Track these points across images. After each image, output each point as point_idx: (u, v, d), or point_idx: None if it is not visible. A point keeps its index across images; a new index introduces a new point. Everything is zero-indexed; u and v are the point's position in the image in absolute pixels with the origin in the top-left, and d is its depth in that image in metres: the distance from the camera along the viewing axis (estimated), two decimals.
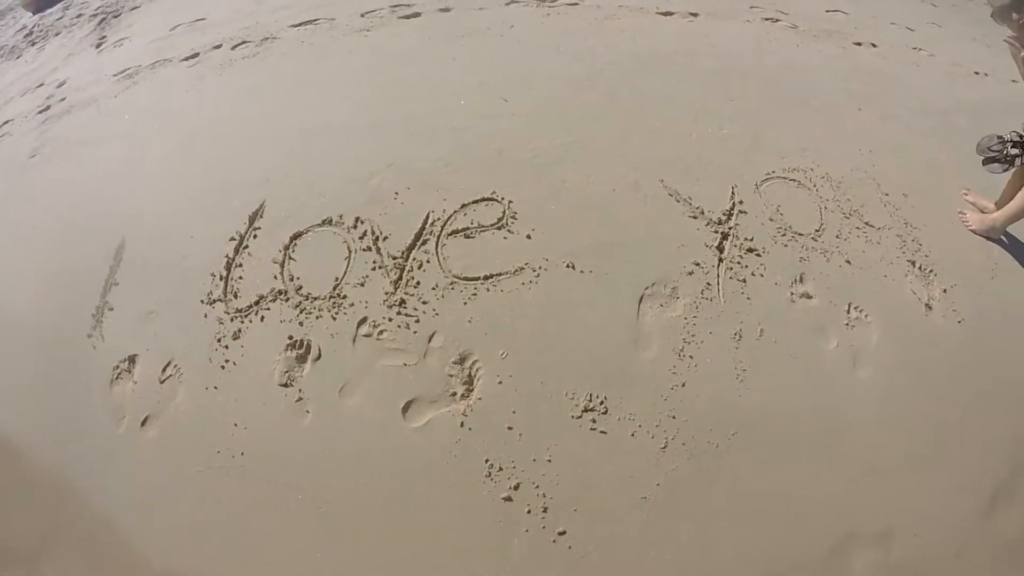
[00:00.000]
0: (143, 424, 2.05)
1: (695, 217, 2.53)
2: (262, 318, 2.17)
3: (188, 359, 2.16)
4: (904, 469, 2.05)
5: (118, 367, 2.20)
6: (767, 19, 4.51)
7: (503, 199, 2.52)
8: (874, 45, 4.58)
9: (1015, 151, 2.64)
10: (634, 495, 1.84)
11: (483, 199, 2.52)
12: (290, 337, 2.09)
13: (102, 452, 2.04)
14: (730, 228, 2.50)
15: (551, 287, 2.25)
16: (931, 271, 2.60)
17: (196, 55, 3.85)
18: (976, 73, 4.33)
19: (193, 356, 2.16)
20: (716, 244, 2.44)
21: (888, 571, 1.85)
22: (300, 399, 1.97)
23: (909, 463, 2.07)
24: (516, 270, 2.27)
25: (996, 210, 2.87)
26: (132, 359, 2.21)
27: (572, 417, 1.93)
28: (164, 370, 2.13)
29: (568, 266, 2.31)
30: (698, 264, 2.37)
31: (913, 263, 2.59)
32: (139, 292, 2.40)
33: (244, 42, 3.89)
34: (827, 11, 5.03)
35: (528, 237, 2.40)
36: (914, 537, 1.92)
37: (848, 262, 2.50)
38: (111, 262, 2.51)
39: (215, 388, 2.07)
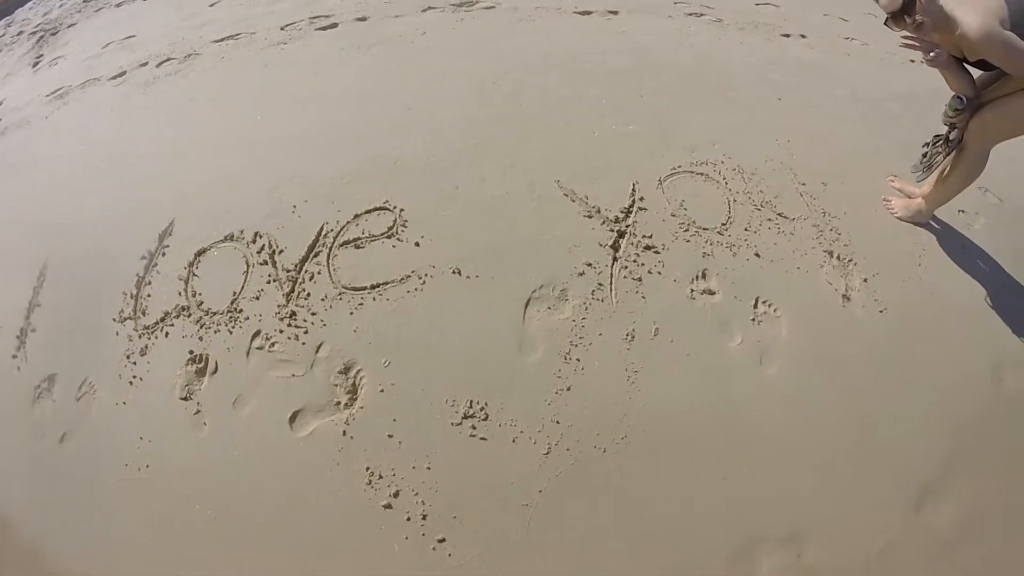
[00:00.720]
0: (61, 440, 2.16)
1: (590, 216, 2.43)
2: (166, 334, 2.22)
3: (100, 376, 2.24)
4: (817, 468, 1.97)
5: (39, 386, 2.30)
6: (691, 14, 4.47)
7: (395, 208, 2.47)
8: (803, 36, 4.55)
9: (937, 150, 2.63)
10: (515, 502, 1.80)
11: (375, 209, 2.48)
12: (191, 352, 2.15)
13: (26, 469, 2.14)
14: (627, 226, 2.40)
15: (436, 294, 2.22)
16: (851, 260, 2.50)
17: (123, 73, 3.87)
18: (912, 61, 4.31)
19: (105, 373, 2.24)
20: (611, 243, 2.34)
21: (800, 574, 1.79)
22: (198, 411, 2.03)
23: (823, 462, 1.99)
24: (402, 278, 2.25)
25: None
26: (51, 378, 2.31)
27: (452, 424, 1.91)
28: (80, 387, 2.24)
29: (455, 272, 2.25)
30: (590, 264, 2.27)
31: (831, 253, 2.49)
32: (60, 313, 2.47)
33: (169, 59, 3.89)
34: (756, 4, 5.02)
35: (417, 245, 2.35)
36: (828, 539, 1.85)
37: (757, 255, 2.39)
38: (35, 283, 2.59)
39: (124, 403, 2.16)
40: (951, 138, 2.56)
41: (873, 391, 2.17)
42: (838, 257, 2.49)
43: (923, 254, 2.71)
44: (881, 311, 2.38)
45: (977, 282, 2.79)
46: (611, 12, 4.20)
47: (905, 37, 2.24)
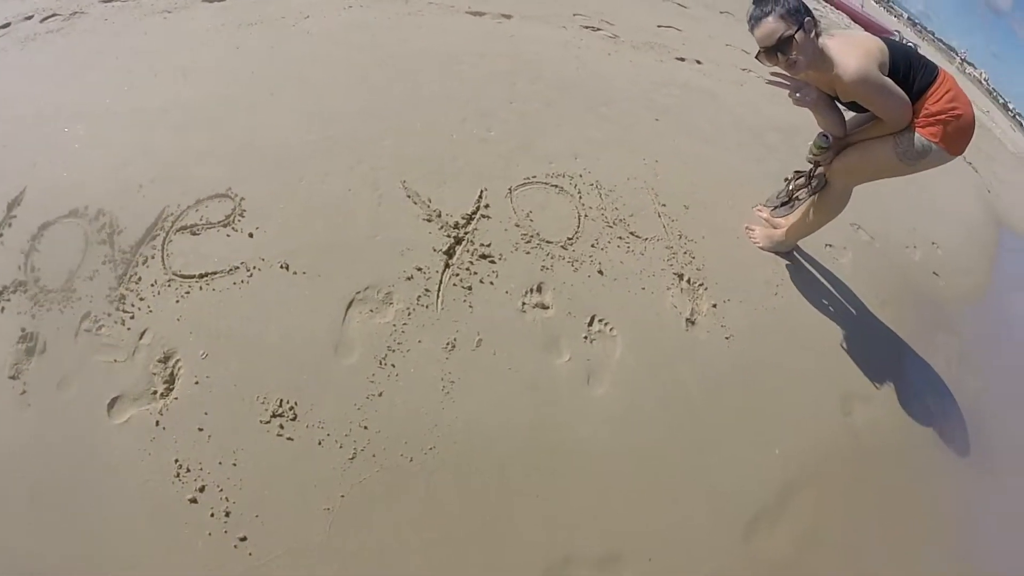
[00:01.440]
0: None
1: (430, 220, 2.34)
2: (2, 309, 2.08)
3: None
4: (641, 492, 1.92)
5: None
6: (587, 27, 4.49)
7: (236, 196, 2.32)
8: (699, 62, 4.64)
9: (799, 183, 2.66)
10: (317, 505, 1.73)
11: (217, 195, 2.32)
12: (23, 330, 2.03)
13: None
14: (466, 233, 2.31)
15: (261, 288, 2.09)
16: (702, 285, 2.47)
17: (8, 25, 3.59)
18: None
19: None
20: (446, 249, 2.24)
21: None
22: (24, 392, 1.92)
23: (648, 485, 1.94)
24: (231, 269, 2.11)
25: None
26: None
27: (261, 421, 1.83)
28: None
29: (283, 267, 2.12)
30: (420, 269, 2.17)
31: (681, 276, 2.45)
32: None
33: (54, 15, 3.63)
34: (659, 26, 5.12)
35: (250, 236, 2.21)
36: (648, 562, 1.81)
37: (600, 272, 2.33)
38: None
39: None
40: (815, 175, 2.58)
41: (709, 417, 2.14)
42: (688, 280, 2.45)
43: (781, 284, 2.73)
44: (727, 337, 2.35)
45: (835, 317, 2.82)
46: (504, 16, 4.16)
47: (774, 74, 2.21)
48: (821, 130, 2.38)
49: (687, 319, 2.35)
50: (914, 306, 3.53)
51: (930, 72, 2.15)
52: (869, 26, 15.13)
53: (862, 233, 3.64)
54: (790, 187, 2.71)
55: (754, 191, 3.07)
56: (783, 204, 2.80)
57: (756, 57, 2.15)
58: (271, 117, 2.70)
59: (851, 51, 2.07)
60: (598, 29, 4.43)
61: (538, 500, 1.82)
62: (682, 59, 4.53)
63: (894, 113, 2.15)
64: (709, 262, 2.59)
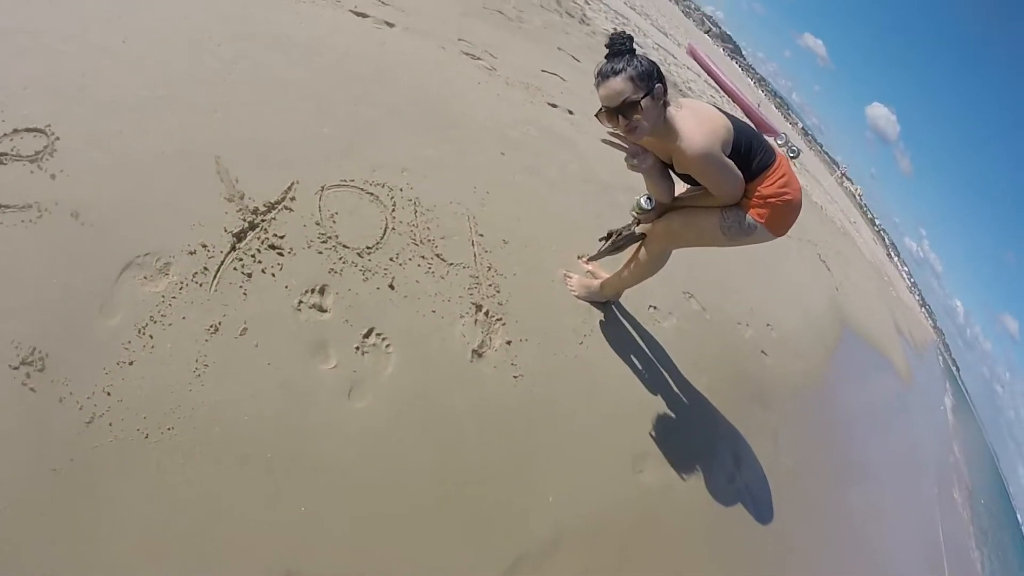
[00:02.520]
0: None
1: (231, 200, 2.26)
2: None
3: None
4: (389, 516, 1.88)
5: None
6: (467, 54, 4.58)
7: (52, 134, 2.16)
8: (571, 112, 4.82)
9: (620, 243, 2.74)
10: (47, 464, 1.62)
11: (34, 129, 2.15)
12: None
13: None
14: (262, 220, 2.27)
15: (47, 231, 1.95)
16: (500, 320, 2.48)
17: None
18: None
19: None
20: (237, 231, 2.18)
21: None
22: None
23: (399, 511, 1.90)
24: (24, 206, 1.95)
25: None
26: None
27: (10, 366, 1.69)
28: None
29: (72, 215, 1.96)
30: (205, 246, 2.06)
31: (479, 307, 2.46)
32: None
33: None
34: (543, 71, 5.29)
35: (53, 177, 2.04)
36: None
37: (391, 287, 2.31)
38: None
39: None
40: (634, 233, 2.65)
41: (478, 452, 2.12)
42: (486, 313, 2.47)
43: (590, 335, 2.80)
44: (516, 376, 2.37)
45: (642, 376, 2.91)
46: (388, 23, 4.17)
47: (612, 134, 2.20)
48: (647, 194, 2.39)
49: (474, 350, 2.34)
50: (733, 379, 3.71)
51: (768, 156, 2.20)
52: (760, 125, 16.23)
53: (694, 302, 3.82)
54: (610, 244, 2.79)
55: (584, 240, 3.16)
56: (595, 258, 2.90)
57: (596, 115, 2.12)
58: (112, 63, 2.57)
59: (698, 127, 2.08)
60: (477, 58, 4.52)
61: (267, 503, 1.75)
62: (554, 105, 4.68)
63: (727, 192, 2.21)
64: (515, 299, 2.62)
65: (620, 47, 2.04)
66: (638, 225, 2.59)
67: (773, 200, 2.23)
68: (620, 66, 2.01)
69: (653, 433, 2.71)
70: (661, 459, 2.63)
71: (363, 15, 4.04)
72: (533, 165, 3.49)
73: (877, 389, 10.67)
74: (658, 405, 2.84)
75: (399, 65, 3.61)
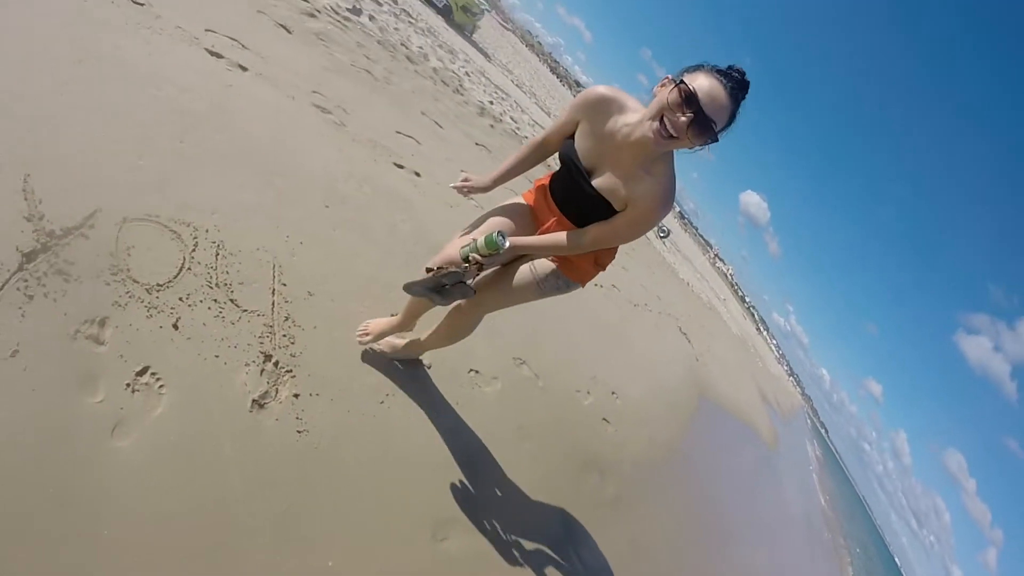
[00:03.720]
0: None
1: (29, 220, 2.22)
2: None
3: None
4: (141, 562, 1.82)
5: None
6: (318, 107, 4.73)
7: None
8: (417, 174, 5.03)
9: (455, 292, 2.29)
10: None
11: None
12: None
13: None
14: (55, 243, 2.26)
15: None
16: (289, 372, 2.52)
17: None
18: None
19: None
20: (28, 252, 2.17)
21: None
22: None
23: (152, 554, 1.85)
24: None
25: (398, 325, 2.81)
26: None
27: None
28: None
29: None
30: None
31: (269, 357, 2.50)
32: None
33: None
34: (397, 132, 5.51)
35: None
36: None
37: (175, 327, 2.29)
38: None
39: None
40: (464, 282, 2.19)
41: (244, 506, 2.09)
42: (275, 363, 2.50)
43: (392, 395, 2.83)
44: (300, 431, 2.38)
45: (451, 440, 2.93)
46: (241, 67, 4.26)
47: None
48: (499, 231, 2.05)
49: (255, 400, 2.35)
50: (566, 446, 3.80)
51: None
52: None
53: (526, 368, 3.95)
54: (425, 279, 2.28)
55: (398, 299, 3.27)
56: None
57: (671, 88, 1.79)
58: None
59: (674, 180, 1.95)
60: (327, 112, 4.66)
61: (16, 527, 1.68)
62: (400, 166, 4.87)
63: (620, 243, 2.18)
64: (310, 352, 2.66)
65: (744, 79, 1.77)
66: (475, 269, 2.16)
67: (604, 269, 2.36)
68: (740, 95, 1.76)
69: (460, 499, 2.70)
70: (469, 527, 2.59)
71: (218, 55, 4.11)
72: (358, 221, 3.60)
73: (740, 454, 11.33)
74: (469, 470, 2.84)
75: (238, 109, 3.66)
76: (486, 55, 20.48)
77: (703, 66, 1.79)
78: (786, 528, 12.15)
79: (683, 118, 1.74)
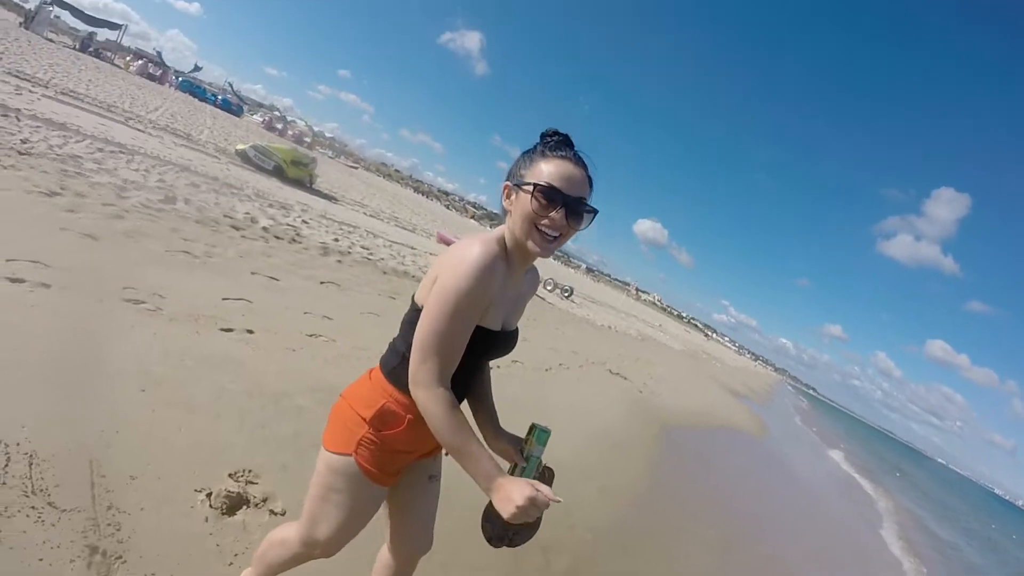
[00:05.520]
0: None
1: None
2: None
3: None
4: None
5: None
6: (129, 300, 4.91)
7: None
8: (250, 331, 5.25)
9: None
10: None
11: None
12: None
13: None
14: None
15: None
16: (120, 558, 2.62)
17: None
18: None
19: None
20: None
21: None
22: None
23: None
24: None
25: None
26: None
27: None
28: None
29: None
30: None
31: (95, 548, 2.59)
32: None
33: None
34: (223, 299, 5.76)
35: None
36: None
37: (1, 539, 2.44)
38: None
39: None
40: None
41: None
42: (103, 553, 2.59)
43: (241, 554, 2.92)
44: None
45: (319, 565, 2.92)
46: (44, 285, 4.42)
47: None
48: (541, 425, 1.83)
49: None
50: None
51: None
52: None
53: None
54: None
55: (229, 459, 3.46)
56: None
57: (527, 187, 1.64)
58: None
59: None
60: (141, 303, 4.88)
61: None
62: (229, 330, 5.11)
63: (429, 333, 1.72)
64: (139, 534, 2.75)
65: (562, 134, 1.71)
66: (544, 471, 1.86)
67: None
68: (577, 152, 1.68)
69: None
70: None
71: (20, 280, 4.34)
72: (179, 396, 3.77)
73: (726, 457, 11.42)
74: None
75: (41, 325, 3.87)
76: (332, 198, 21.04)
77: (527, 155, 1.69)
78: (815, 499, 12.27)
79: (556, 215, 1.61)
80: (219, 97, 60.52)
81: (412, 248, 16.16)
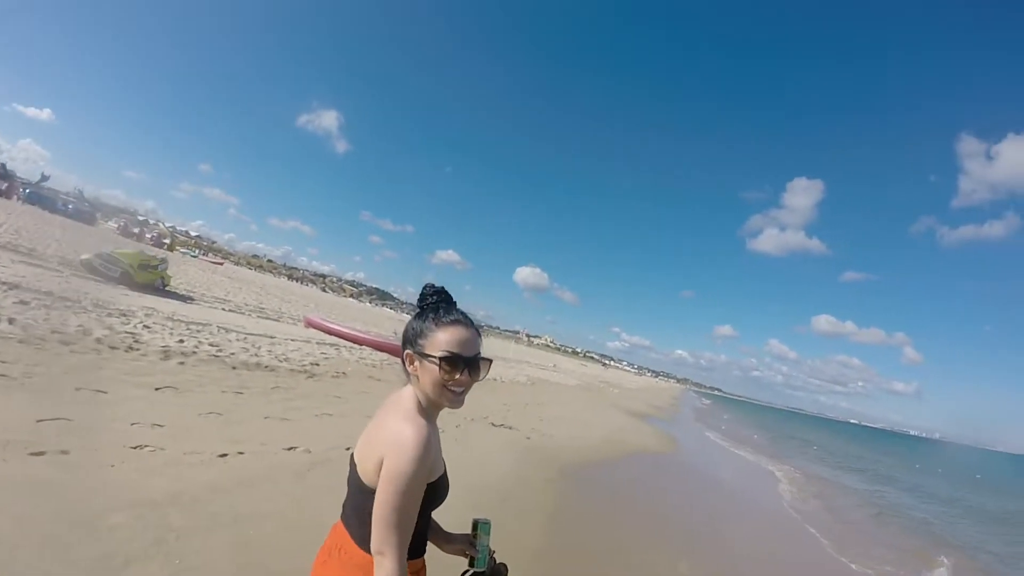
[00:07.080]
0: None
1: None
2: None
3: None
4: None
5: None
6: None
7: None
8: (64, 452, 5.17)
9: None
10: None
11: None
12: None
13: None
14: None
15: None
16: None
17: None
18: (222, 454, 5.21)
19: None
20: None
21: None
22: None
23: None
24: None
25: None
26: None
27: None
28: None
29: None
30: None
31: None
32: None
33: None
34: (38, 421, 5.65)
35: None
36: None
37: None
38: None
39: None
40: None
41: None
42: None
43: None
44: None
45: None
46: None
47: None
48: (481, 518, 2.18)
49: None
50: None
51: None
52: (398, 352, 17.53)
53: None
54: None
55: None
56: None
57: (436, 359, 1.79)
58: None
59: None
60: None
61: None
62: (41, 453, 5.03)
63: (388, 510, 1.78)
64: None
65: (444, 291, 1.92)
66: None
67: None
68: (457, 307, 1.89)
69: None
70: None
71: None
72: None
73: (636, 482, 11.49)
74: None
75: None
76: (187, 299, 20.55)
77: (421, 322, 1.86)
78: (737, 496, 12.58)
79: (462, 376, 1.79)
80: (69, 206, 58.26)
81: (271, 337, 15.86)
